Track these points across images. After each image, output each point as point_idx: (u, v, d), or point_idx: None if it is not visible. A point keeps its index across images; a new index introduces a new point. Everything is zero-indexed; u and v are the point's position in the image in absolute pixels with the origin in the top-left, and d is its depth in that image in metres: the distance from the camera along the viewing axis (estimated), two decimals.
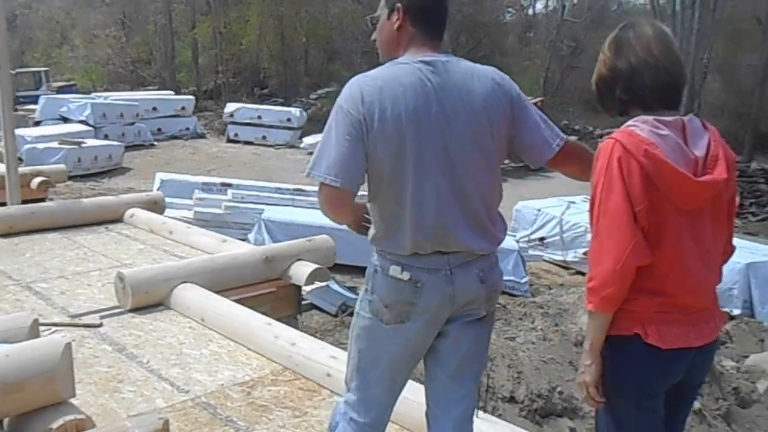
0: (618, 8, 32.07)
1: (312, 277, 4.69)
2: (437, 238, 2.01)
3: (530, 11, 37.83)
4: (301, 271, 4.72)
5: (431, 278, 2.02)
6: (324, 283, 5.66)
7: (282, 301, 4.84)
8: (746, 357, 6.86)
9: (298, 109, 22.65)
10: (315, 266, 4.73)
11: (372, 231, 2.09)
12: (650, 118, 1.90)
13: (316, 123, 25.29)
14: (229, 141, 21.06)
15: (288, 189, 10.81)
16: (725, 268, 2.09)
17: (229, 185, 10.56)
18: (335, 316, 7.25)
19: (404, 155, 1.97)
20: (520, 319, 6.98)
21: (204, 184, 10.68)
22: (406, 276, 2.01)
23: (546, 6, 36.30)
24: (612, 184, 1.87)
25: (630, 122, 1.92)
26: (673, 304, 1.92)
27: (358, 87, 1.99)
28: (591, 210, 1.95)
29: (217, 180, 11.09)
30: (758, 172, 19.28)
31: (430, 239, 2.01)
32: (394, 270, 2.03)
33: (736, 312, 8.44)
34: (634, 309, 1.93)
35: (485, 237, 2.07)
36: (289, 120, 21.46)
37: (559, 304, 7.67)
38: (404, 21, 2.07)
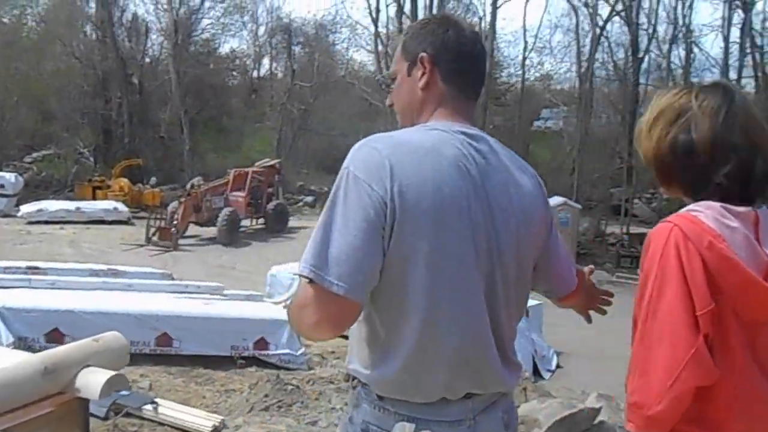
0: (346, 74, 33.75)
1: (108, 388, 3.84)
2: (475, 374, 1.51)
3: (254, 74, 39.06)
4: (92, 380, 3.81)
5: None
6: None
7: (63, 420, 3.84)
8: None
9: (12, 174, 20.60)
10: (110, 373, 3.89)
11: (373, 372, 1.50)
12: (717, 204, 1.51)
13: (34, 189, 23.04)
14: None
15: (20, 268, 9.36)
16: None
17: None
18: (105, 419, 6.27)
19: (444, 256, 1.43)
20: (316, 399, 6.52)
21: None
22: None
23: (270, 70, 37.53)
24: (667, 278, 1.47)
25: (691, 206, 1.54)
26: None
27: (382, 153, 1.42)
28: (638, 305, 1.53)
29: None
30: None
31: (469, 376, 1.50)
32: (402, 429, 1.48)
33: None
34: None
35: (512, 369, 1.60)
36: (2, 186, 19.35)
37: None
38: (433, 75, 1.57)
